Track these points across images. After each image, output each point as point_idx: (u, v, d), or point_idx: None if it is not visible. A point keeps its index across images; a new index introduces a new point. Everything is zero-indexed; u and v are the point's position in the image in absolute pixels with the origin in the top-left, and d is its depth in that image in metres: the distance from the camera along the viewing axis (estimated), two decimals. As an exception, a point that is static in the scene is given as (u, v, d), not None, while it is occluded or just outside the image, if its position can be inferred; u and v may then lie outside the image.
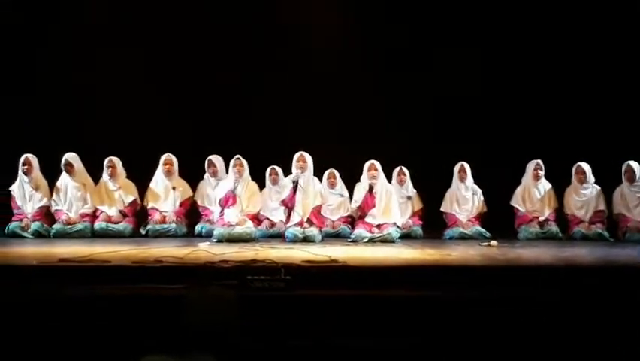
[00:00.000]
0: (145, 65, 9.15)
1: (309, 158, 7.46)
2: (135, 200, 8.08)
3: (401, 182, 8.20)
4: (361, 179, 7.78)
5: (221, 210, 7.40)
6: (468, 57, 9.14)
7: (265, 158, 8.14)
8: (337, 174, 8.12)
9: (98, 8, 9.23)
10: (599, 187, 8.04)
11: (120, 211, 7.97)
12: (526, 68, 9.14)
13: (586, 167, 8.05)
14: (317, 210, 7.47)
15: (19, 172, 7.91)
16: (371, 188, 7.51)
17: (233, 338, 2.41)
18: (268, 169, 8.07)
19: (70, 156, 7.99)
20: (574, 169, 8.12)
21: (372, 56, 9.37)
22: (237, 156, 7.59)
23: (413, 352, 4.23)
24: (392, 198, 7.64)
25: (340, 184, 8.14)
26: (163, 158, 8.12)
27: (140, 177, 8.24)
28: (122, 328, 4.22)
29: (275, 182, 7.97)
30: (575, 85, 9.06)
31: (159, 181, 8.12)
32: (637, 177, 7.84)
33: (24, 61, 9.12)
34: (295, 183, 7.31)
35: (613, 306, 4.44)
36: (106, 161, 8.07)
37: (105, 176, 8.07)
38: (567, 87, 9.11)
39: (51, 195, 7.96)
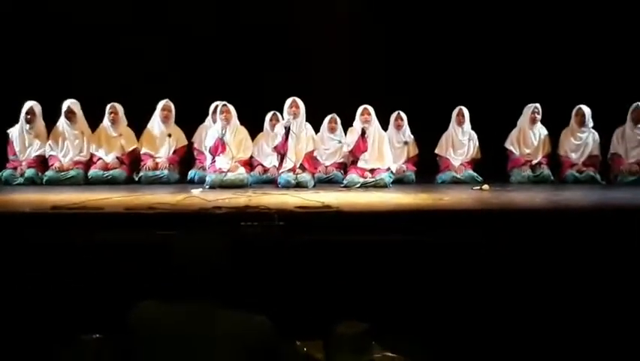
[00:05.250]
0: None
1: (301, 104, 7.41)
2: (136, 148, 8.04)
3: (398, 127, 8.22)
4: (354, 123, 7.75)
5: (213, 158, 7.39)
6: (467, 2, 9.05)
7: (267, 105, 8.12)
8: (339, 120, 8.15)
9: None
10: (596, 133, 8.03)
11: (117, 158, 7.94)
12: (528, 10, 8.99)
13: (586, 110, 8.02)
14: (309, 156, 7.45)
15: (21, 119, 7.84)
16: (363, 132, 7.50)
17: (226, 283, 2.42)
18: (269, 114, 8.02)
19: (72, 103, 7.90)
20: (574, 111, 8.10)
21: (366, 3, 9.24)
22: (224, 102, 7.50)
23: (407, 296, 4.27)
24: (385, 144, 7.64)
25: (340, 131, 8.14)
26: (161, 104, 8.05)
27: (136, 125, 8.18)
28: (116, 274, 4.23)
29: (275, 128, 7.93)
30: (576, 29, 8.89)
31: (155, 127, 8.08)
32: None
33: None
34: (287, 129, 7.28)
35: (608, 249, 4.47)
36: (108, 107, 8.02)
37: (106, 122, 8.02)
38: (567, 31, 8.95)
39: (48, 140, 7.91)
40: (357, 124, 7.66)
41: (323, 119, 8.13)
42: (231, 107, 7.48)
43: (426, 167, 8.34)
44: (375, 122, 7.65)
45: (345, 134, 7.96)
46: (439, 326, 4.11)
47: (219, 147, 7.32)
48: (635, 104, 7.87)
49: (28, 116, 7.83)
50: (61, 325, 3.91)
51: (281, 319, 2.51)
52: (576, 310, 4.22)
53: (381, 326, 3.46)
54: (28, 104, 7.85)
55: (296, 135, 7.33)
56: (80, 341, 3.47)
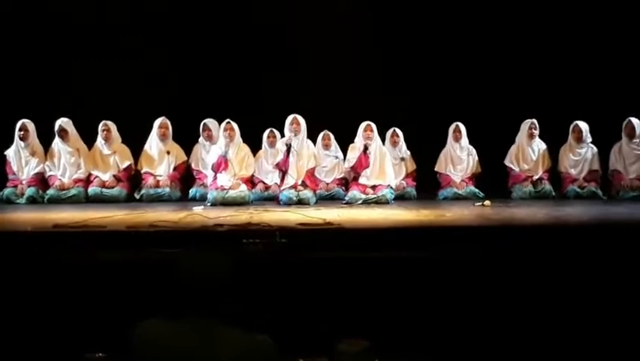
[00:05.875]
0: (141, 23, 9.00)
1: (302, 121, 7.43)
2: (130, 165, 8.03)
3: (394, 143, 8.18)
4: (355, 140, 7.76)
5: (214, 175, 7.40)
6: (464, 18, 9.07)
7: (264, 121, 8.10)
8: (332, 136, 8.16)
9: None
10: (595, 148, 8.02)
11: (114, 176, 7.92)
12: (525, 27, 9.00)
13: (583, 126, 8.01)
14: (311, 173, 7.47)
15: (16, 138, 7.84)
16: (365, 148, 7.52)
17: (227, 301, 2.41)
18: (266, 131, 8.04)
19: (64, 122, 7.89)
20: (571, 127, 8.09)
21: (366, 15, 9.24)
22: (227, 120, 7.54)
23: (409, 313, 4.26)
24: (386, 160, 7.65)
25: (335, 146, 8.16)
26: (158, 121, 8.05)
27: (134, 141, 8.15)
28: (119, 293, 4.23)
29: (272, 145, 7.95)
30: (573, 43, 8.91)
31: (153, 145, 8.07)
32: (637, 133, 7.78)
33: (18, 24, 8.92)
34: (288, 147, 7.29)
35: (608, 264, 4.46)
36: (100, 125, 7.99)
37: (99, 140, 8.01)
38: (565, 45, 8.95)
39: (46, 160, 7.91)
40: (359, 140, 7.68)
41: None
42: (234, 125, 7.52)
43: (426, 183, 8.32)
44: (377, 139, 7.67)
45: (342, 149, 8.01)
46: (442, 343, 4.10)
47: (222, 164, 7.34)
48: (627, 120, 7.86)
49: (22, 133, 7.82)
50: (65, 344, 3.90)
51: (283, 337, 2.50)
52: (578, 325, 4.20)
53: (383, 344, 3.45)
54: (21, 121, 7.85)
55: (297, 152, 7.35)
56: (84, 360, 3.46)
